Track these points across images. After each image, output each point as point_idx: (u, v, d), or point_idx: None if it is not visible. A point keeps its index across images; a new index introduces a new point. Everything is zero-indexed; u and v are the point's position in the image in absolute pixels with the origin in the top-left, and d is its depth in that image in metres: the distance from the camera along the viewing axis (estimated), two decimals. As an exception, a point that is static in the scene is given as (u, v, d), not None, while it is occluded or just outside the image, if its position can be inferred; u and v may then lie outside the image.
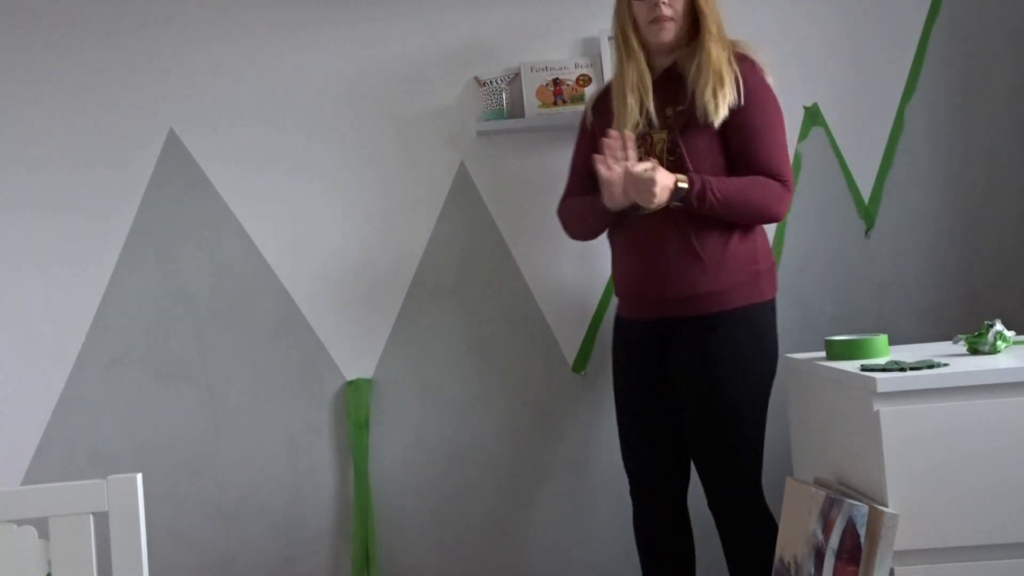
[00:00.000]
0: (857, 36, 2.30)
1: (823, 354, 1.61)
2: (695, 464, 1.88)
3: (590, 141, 1.94)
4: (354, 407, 2.27)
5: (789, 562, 1.45)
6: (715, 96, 1.78)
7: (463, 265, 2.30)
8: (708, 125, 1.78)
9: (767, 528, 1.79)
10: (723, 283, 1.80)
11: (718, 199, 1.75)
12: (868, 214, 2.30)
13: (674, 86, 1.84)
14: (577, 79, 2.26)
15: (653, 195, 1.70)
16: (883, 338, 1.53)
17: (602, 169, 1.78)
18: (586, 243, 2.30)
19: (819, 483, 1.49)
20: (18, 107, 2.29)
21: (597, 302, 2.29)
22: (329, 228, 2.30)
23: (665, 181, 1.72)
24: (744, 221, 1.81)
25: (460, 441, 2.30)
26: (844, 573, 1.29)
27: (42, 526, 1.21)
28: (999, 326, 1.48)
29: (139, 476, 1.23)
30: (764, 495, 1.84)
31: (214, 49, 2.30)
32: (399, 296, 2.30)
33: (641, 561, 1.98)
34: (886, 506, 1.29)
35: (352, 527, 2.26)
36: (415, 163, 2.30)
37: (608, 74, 2.25)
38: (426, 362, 2.30)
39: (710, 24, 1.84)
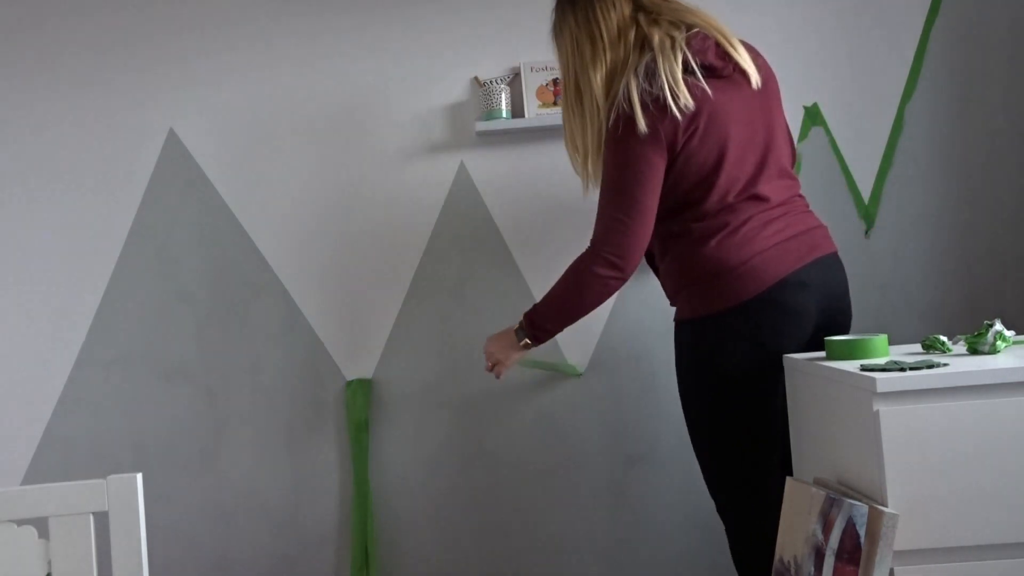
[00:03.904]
0: (857, 36, 2.30)
1: (823, 354, 1.61)
2: None
3: None
4: (354, 407, 2.27)
5: (789, 562, 1.45)
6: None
7: (463, 265, 2.30)
8: None
9: (739, 532, 1.79)
10: (668, 292, 1.85)
11: (545, 320, 1.80)
12: (868, 214, 2.30)
13: None
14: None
15: (492, 365, 1.91)
16: (883, 338, 1.52)
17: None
18: (584, 247, 2.30)
19: (819, 483, 1.49)
20: (18, 107, 2.30)
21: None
22: (329, 228, 2.30)
23: (495, 345, 1.88)
24: (584, 313, 1.79)
25: (460, 441, 2.30)
26: (844, 573, 1.29)
27: (42, 526, 1.21)
28: (999, 326, 1.47)
29: (139, 476, 1.23)
30: (741, 499, 1.78)
31: (214, 49, 2.30)
32: (399, 296, 2.30)
33: None
34: (886, 506, 1.29)
35: (352, 527, 2.26)
36: (415, 163, 2.30)
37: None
38: (426, 362, 2.30)
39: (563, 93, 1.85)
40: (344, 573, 2.29)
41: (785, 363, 1.70)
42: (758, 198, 1.71)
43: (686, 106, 1.64)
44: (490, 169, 2.31)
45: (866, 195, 2.31)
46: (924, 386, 1.31)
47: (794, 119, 2.30)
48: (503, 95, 2.23)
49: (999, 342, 1.47)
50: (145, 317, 2.30)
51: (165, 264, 2.30)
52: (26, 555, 1.21)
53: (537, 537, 2.30)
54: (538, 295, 2.29)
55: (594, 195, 1.84)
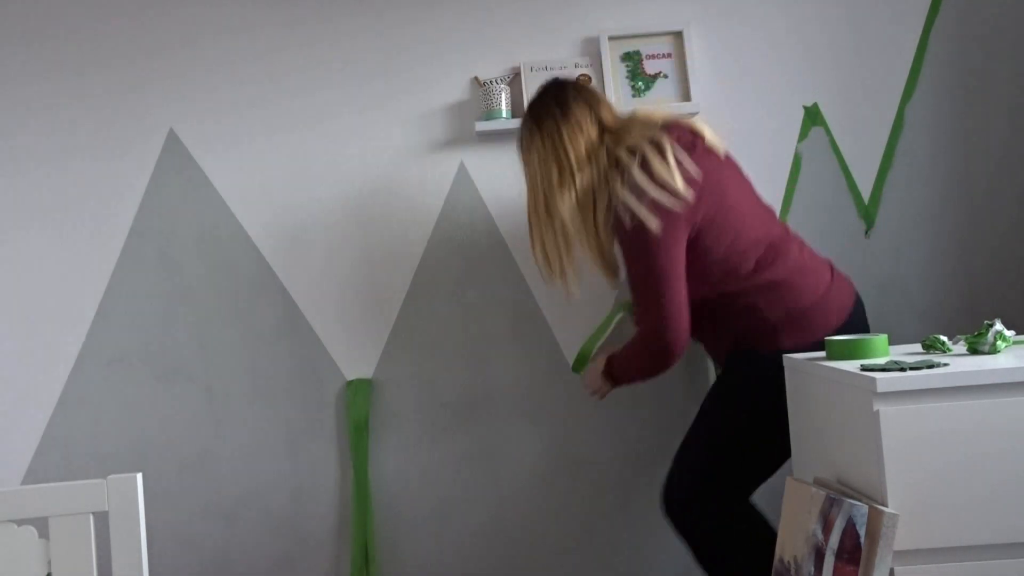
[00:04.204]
0: (857, 36, 2.30)
1: (823, 354, 1.61)
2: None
3: None
4: (354, 407, 2.27)
5: (789, 562, 1.45)
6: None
7: (463, 265, 2.30)
8: None
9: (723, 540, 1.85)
10: (735, 340, 1.87)
11: (619, 374, 1.93)
12: (868, 214, 2.30)
13: None
14: (577, 79, 2.26)
15: (590, 392, 2.04)
16: (883, 338, 1.53)
17: None
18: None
19: (819, 483, 1.49)
20: (18, 107, 2.30)
21: (606, 306, 2.29)
22: (329, 228, 2.30)
23: (591, 377, 2.00)
24: (649, 377, 1.88)
25: (460, 441, 2.30)
26: (844, 573, 1.29)
27: (42, 526, 1.21)
28: (999, 326, 1.48)
29: (139, 476, 1.23)
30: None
31: (214, 48, 2.30)
32: (399, 296, 2.30)
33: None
34: (886, 506, 1.29)
35: (352, 527, 2.26)
36: (415, 163, 2.30)
37: (608, 75, 2.25)
38: (426, 362, 2.30)
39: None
40: (344, 573, 2.29)
41: (785, 363, 1.71)
42: (785, 230, 1.86)
43: (686, 193, 1.71)
44: (490, 169, 2.31)
45: (866, 195, 2.31)
46: (924, 386, 1.31)
47: (794, 119, 2.30)
48: (503, 95, 2.23)
49: (999, 342, 1.47)
50: (145, 317, 2.30)
51: (165, 264, 2.30)
52: (26, 555, 1.21)
53: (537, 537, 2.30)
54: (538, 295, 2.29)
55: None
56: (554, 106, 1.84)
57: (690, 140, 1.80)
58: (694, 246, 1.76)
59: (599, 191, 1.78)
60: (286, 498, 2.29)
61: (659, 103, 1.89)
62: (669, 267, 1.73)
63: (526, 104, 2.23)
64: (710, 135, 1.84)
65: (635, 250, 1.75)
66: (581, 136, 1.80)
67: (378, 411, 2.30)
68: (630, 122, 1.84)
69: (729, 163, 1.87)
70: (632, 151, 1.76)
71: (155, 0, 2.31)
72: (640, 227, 1.72)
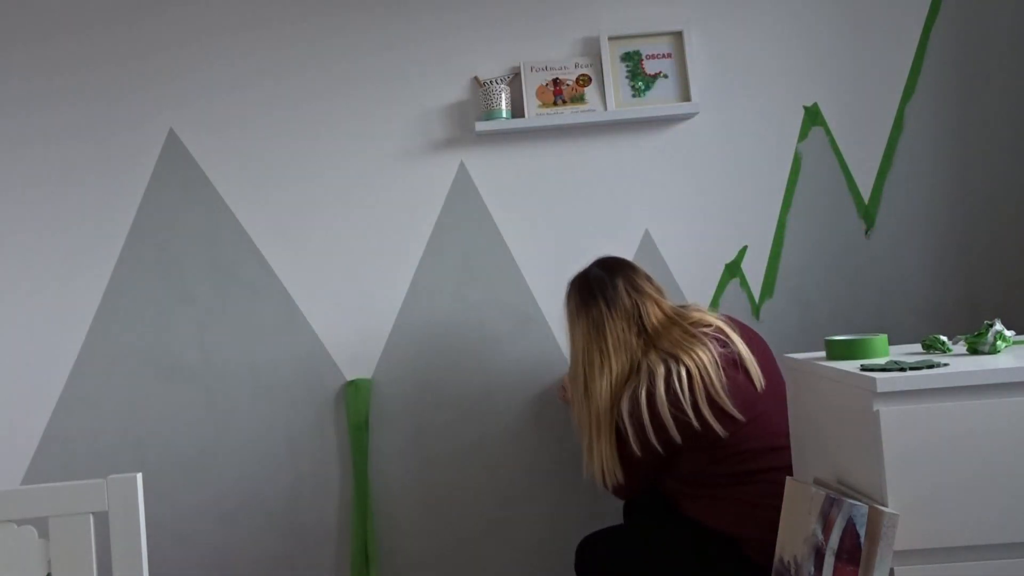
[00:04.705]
0: (857, 36, 2.30)
1: (823, 354, 1.61)
2: None
3: None
4: (354, 407, 2.27)
5: (789, 562, 1.45)
6: None
7: (463, 265, 2.30)
8: None
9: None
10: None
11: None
12: (868, 214, 2.30)
13: None
14: (577, 79, 2.26)
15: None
16: (883, 338, 1.52)
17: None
18: (584, 247, 2.29)
19: (819, 483, 1.49)
20: (18, 108, 2.29)
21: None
22: (329, 228, 2.30)
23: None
24: None
25: (460, 441, 2.30)
26: (844, 573, 1.29)
27: (42, 526, 1.21)
28: (999, 326, 1.47)
29: (139, 476, 1.23)
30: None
31: (214, 50, 2.30)
32: (399, 296, 2.30)
33: None
34: (886, 506, 1.29)
35: (352, 527, 2.26)
36: (415, 163, 2.30)
37: (608, 75, 2.25)
38: (426, 362, 2.30)
39: None
40: (344, 573, 2.29)
41: (785, 363, 1.70)
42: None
43: (673, 439, 1.75)
44: (490, 169, 2.31)
45: (866, 195, 2.31)
46: (924, 386, 1.31)
47: (794, 119, 2.30)
48: (503, 95, 2.23)
49: (999, 342, 1.47)
50: (145, 317, 2.30)
51: (165, 264, 2.30)
52: (26, 555, 1.22)
53: (537, 538, 2.30)
54: (538, 295, 2.30)
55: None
56: (601, 294, 1.86)
57: (731, 357, 1.78)
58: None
59: (628, 382, 1.82)
60: (286, 498, 2.29)
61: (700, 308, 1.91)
62: (639, 464, 1.81)
63: (526, 104, 2.24)
64: (752, 369, 1.80)
65: (628, 447, 1.80)
66: (620, 333, 1.83)
67: (378, 411, 2.30)
68: (672, 324, 1.83)
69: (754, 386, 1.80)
70: (661, 360, 1.77)
71: (156, 2, 2.31)
72: (639, 431, 1.76)
